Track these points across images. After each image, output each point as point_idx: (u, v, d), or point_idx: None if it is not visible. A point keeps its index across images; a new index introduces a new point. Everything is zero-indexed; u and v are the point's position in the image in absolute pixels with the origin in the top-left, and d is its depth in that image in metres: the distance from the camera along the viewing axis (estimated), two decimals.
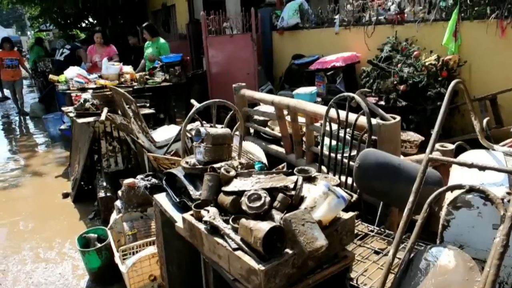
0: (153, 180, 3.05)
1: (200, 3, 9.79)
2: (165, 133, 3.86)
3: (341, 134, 2.56)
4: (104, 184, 3.53)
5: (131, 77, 5.40)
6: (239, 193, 1.52)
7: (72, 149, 4.74)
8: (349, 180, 2.54)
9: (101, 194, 3.37)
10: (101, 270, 2.58)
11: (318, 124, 3.18)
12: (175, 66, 5.79)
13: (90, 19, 14.21)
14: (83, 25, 14.46)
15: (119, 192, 2.84)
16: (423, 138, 3.19)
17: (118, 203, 2.86)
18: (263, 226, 1.28)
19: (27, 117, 8.61)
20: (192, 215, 1.61)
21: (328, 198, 1.51)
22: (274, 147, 3.77)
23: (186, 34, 9.49)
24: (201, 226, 1.53)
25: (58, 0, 10.48)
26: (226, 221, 1.48)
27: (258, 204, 1.40)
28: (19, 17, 31.81)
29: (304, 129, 3.40)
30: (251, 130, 4.26)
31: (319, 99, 4.46)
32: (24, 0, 13.05)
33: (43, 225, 3.50)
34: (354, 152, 2.56)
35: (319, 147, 3.29)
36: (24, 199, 4.17)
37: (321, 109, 2.98)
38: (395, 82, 4.36)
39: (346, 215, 1.58)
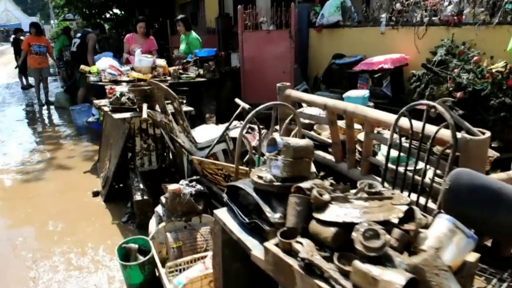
0: (198, 186, 2.79)
1: None
2: (204, 133, 3.59)
3: (406, 144, 2.25)
4: (140, 186, 3.27)
5: (164, 71, 5.13)
6: (343, 225, 1.22)
7: (101, 143, 4.51)
8: (421, 200, 2.24)
9: (137, 197, 3.11)
10: (143, 286, 2.32)
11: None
12: (209, 61, 5.52)
13: (115, 10, 14.06)
14: (108, 15, 14.30)
15: (162, 199, 2.57)
16: (498, 154, 2.85)
17: (159, 210, 2.60)
18: (395, 278, 0.98)
19: (52, 107, 8.43)
20: (277, 245, 1.33)
21: (455, 237, 1.21)
22: (321, 153, 3.46)
23: (215, 28, 9.21)
24: (293, 263, 1.24)
25: None
26: (327, 259, 1.19)
27: (377, 244, 1.10)
28: (44, 6, 32.02)
29: (358, 137, 3.10)
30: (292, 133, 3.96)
31: (370, 104, 4.13)
32: None
33: (73, 226, 3.26)
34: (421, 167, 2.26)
35: (376, 157, 2.98)
36: (52, 195, 3.95)
37: (387, 116, 2.65)
38: (450, 89, 4.01)
39: (471, 257, 1.27)
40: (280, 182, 1.58)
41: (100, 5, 12.80)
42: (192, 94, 5.14)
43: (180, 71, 5.20)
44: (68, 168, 4.72)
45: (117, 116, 3.49)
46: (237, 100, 3.46)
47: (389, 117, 2.55)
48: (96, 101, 4.22)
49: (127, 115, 3.50)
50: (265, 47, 5.88)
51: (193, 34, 6.05)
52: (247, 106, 3.28)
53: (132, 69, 5.11)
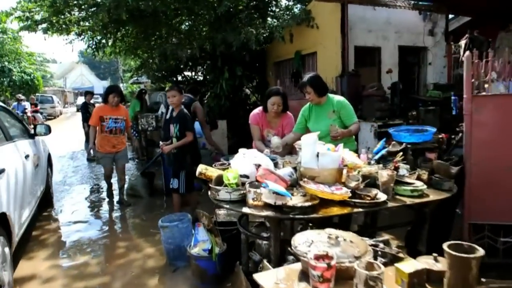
0: None
1: (351, 51, 7.00)
2: None
3: None
4: None
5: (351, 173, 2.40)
6: None
7: None
8: None
9: None
10: None
11: None
12: (426, 151, 2.76)
13: (187, 72, 12.13)
14: (179, 78, 12.37)
15: None
16: None
17: None
18: None
19: (127, 205, 5.37)
20: None
21: None
22: None
23: (335, 90, 6.65)
24: None
25: (176, 46, 8.25)
26: None
27: None
28: (116, 70, 32.21)
29: None
30: None
31: None
32: (128, 51, 11.27)
33: None
34: None
35: None
36: None
37: None
38: None
39: None
40: None
41: (175, 66, 10.94)
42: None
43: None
44: None
45: None
46: None
47: None
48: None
49: None
50: None
51: (336, 97, 3.37)
52: None
53: (294, 169, 2.45)
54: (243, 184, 2.22)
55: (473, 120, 3.10)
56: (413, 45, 7.74)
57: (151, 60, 11.47)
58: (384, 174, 2.30)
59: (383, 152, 2.73)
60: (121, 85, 30.61)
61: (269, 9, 8.71)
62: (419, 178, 2.56)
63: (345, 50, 6.60)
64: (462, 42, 7.54)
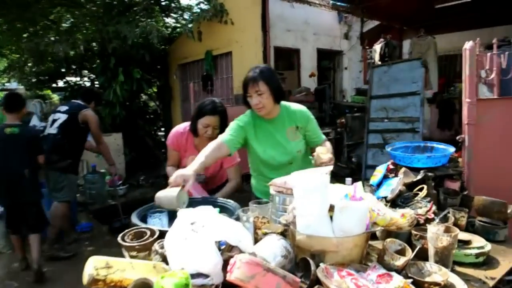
0: None
1: (271, 52, 6.12)
2: None
3: None
4: None
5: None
6: None
7: None
8: None
9: None
10: None
11: None
12: (448, 179, 1.87)
13: (70, 77, 9.92)
14: (60, 83, 10.06)
15: None
16: None
17: None
18: None
19: None
20: None
21: None
22: None
23: None
24: None
25: (52, 42, 6.25)
26: None
27: None
28: None
29: None
30: None
31: None
32: None
33: None
34: None
35: None
36: None
37: None
38: None
39: None
40: None
41: (54, 70, 8.85)
42: None
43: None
44: None
45: None
46: None
47: None
48: None
49: None
50: None
51: (293, 105, 2.29)
52: None
53: (282, 235, 1.27)
54: None
55: (477, 131, 2.33)
56: (330, 48, 7.25)
57: (22, 62, 9.11)
58: (442, 236, 1.28)
59: (398, 186, 1.73)
60: None
61: (172, 3, 7.36)
62: (456, 224, 1.62)
63: (267, 50, 5.67)
64: (377, 47, 7.25)
